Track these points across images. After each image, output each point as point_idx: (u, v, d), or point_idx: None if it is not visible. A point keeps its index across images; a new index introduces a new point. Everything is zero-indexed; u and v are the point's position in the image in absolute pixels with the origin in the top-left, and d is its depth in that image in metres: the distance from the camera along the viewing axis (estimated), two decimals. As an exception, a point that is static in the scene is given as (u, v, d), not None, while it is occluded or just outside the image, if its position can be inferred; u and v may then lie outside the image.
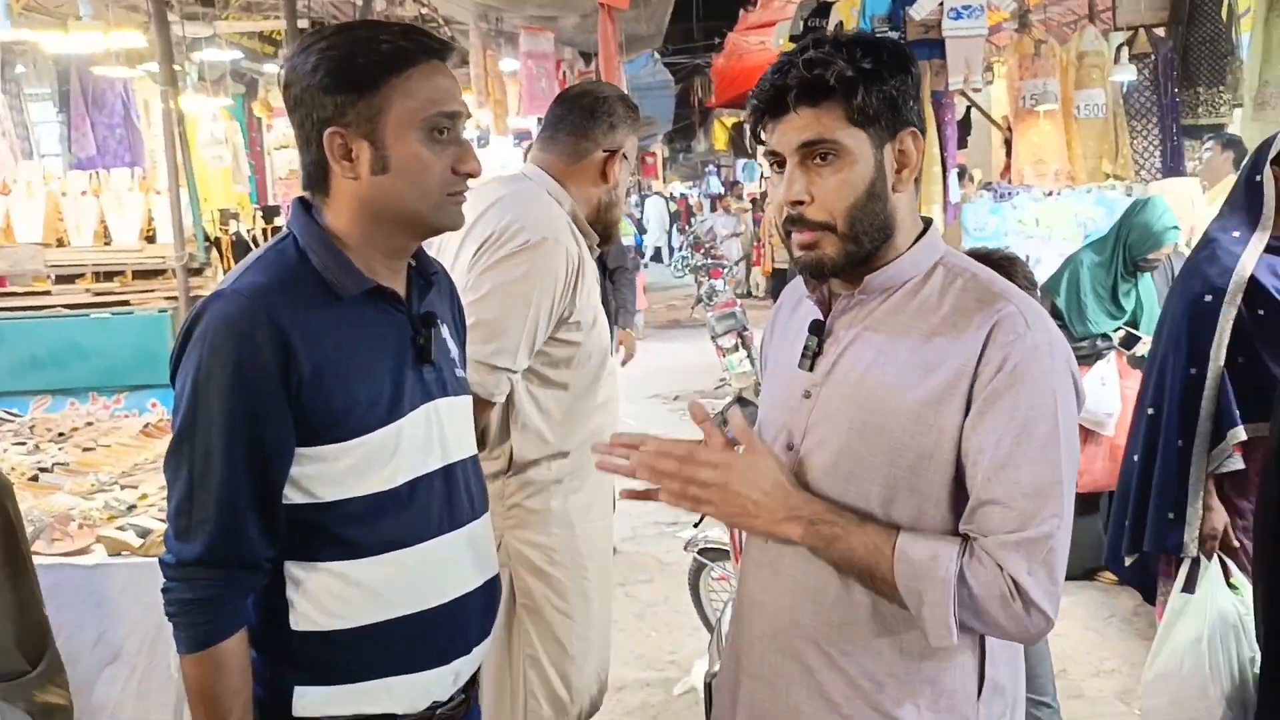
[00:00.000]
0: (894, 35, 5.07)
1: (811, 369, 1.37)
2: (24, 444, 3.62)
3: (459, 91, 1.44)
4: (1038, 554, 1.21)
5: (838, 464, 1.31)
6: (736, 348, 7.37)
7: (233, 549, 1.32)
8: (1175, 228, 4.30)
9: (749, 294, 13.98)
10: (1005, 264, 2.19)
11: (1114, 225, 4.67)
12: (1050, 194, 7.03)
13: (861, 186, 1.29)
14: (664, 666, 3.80)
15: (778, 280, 13.82)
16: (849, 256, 1.31)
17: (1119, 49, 7.20)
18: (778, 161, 1.32)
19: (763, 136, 1.34)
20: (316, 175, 1.40)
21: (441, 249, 2.06)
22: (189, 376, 1.31)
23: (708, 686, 2.46)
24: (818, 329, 1.38)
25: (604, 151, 2.16)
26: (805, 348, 1.38)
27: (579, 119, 2.16)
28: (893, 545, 1.24)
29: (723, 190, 21.50)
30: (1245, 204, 2.64)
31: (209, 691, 1.33)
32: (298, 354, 1.31)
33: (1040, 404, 1.23)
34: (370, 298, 1.41)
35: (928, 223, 1.40)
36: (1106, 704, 3.44)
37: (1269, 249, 2.58)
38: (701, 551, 3.51)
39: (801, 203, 1.30)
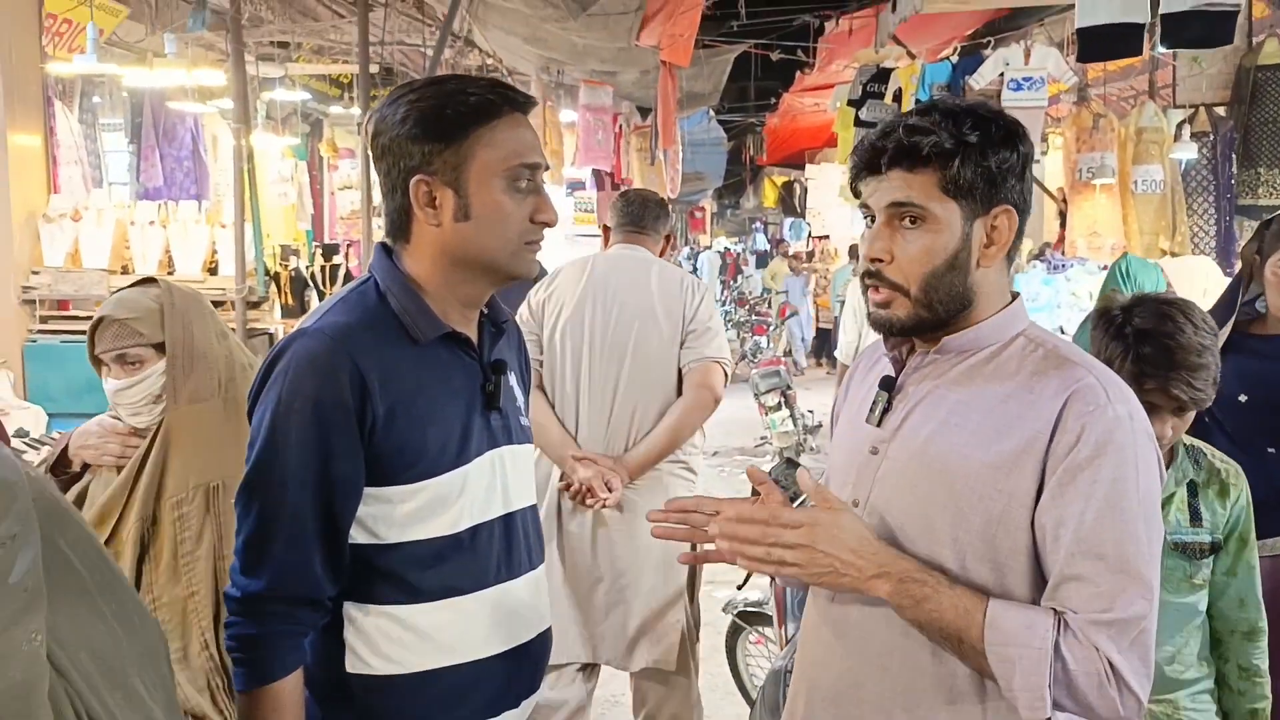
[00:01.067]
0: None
1: (880, 425, 1.36)
2: (77, 466, 3.68)
3: (539, 144, 1.47)
4: (1129, 635, 1.18)
5: (904, 525, 1.30)
6: (779, 406, 7.34)
7: (297, 584, 1.32)
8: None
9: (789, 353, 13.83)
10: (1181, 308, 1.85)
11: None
12: (1104, 268, 6.96)
13: (942, 256, 1.29)
14: (697, 729, 3.72)
15: (820, 339, 13.74)
16: (919, 321, 1.32)
17: (1179, 126, 7.17)
18: (870, 215, 1.34)
19: (860, 190, 1.35)
20: (400, 221, 1.43)
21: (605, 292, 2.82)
22: (269, 410, 1.33)
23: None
24: (888, 384, 1.37)
25: (664, 238, 3.03)
26: (874, 402, 1.38)
27: (657, 214, 2.98)
28: (984, 610, 1.20)
29: (769, 247, 21.53)
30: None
31: None
32: (374, 394, 1.33)
33: (1124, 477, 1.21)
34: (444, 342, 1.42)
35: (1015, 295, 1.39)
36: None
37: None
38: (740, 615, 3.46)
39: (881, 260, 1.32)
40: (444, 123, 1.37)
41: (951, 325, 1.33)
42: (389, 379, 1.35)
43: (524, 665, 1.48)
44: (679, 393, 2.78)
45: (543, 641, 1.52)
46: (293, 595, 1.33)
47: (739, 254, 23.10)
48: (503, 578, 1.44)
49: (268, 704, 1.32)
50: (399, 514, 1.37)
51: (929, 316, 1.31)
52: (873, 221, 1.34)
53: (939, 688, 1.28)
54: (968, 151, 1.26)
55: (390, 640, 1.38)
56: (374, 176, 1.51)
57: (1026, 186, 1.33)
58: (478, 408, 1.44)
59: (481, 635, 1.42)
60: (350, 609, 1.38)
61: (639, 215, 2.91)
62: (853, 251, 11.60)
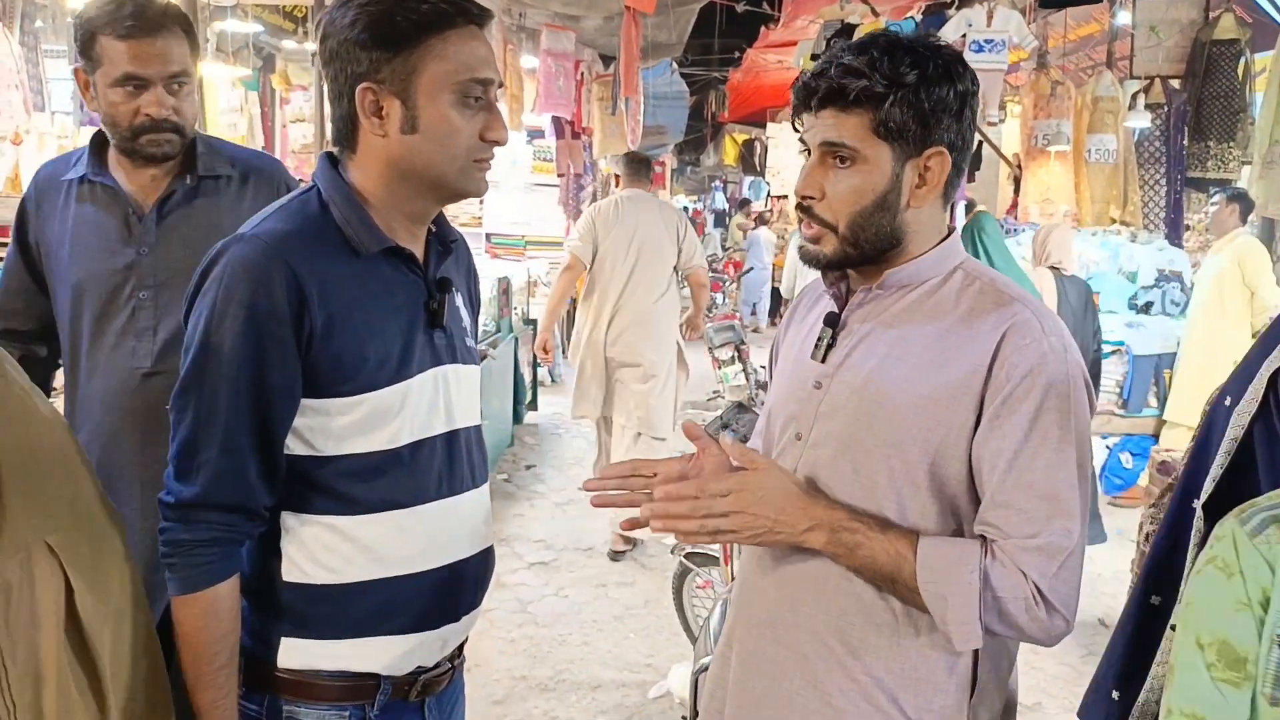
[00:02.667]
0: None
1: (824, 361, 1.38)
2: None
3: (493, 59, 1.44)
4: (1056, 561, 1.22)
5: (845, 454, 1.32)
6: (733, 360, 7.38)
7: (232, 492, 1.31)
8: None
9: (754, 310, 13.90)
10: None
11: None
12: (1056, 233, 7.04)
13: (871, 197, 1.30)
14: (640, 670, 3.78)
15: (775, 300, 13.82)
16: (845, 258, 1.34)
17: (1134, 96, 7.25)
18: (807, 150, 1.34)
19: (798, 126, 1.35)
20: (346, 130, 1.40)
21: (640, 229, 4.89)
22: (202, 316, 1.30)
23: (694, 680, 2.45)
24: (833, 321, 1.39)
25: (650, 181, 5.06)
26: (819, 339, 1.39)
27: (648, 169, 5.28)
28: (914, 550, 1.24)
29: (727, 206, 21.45)
30: None
31: (199, 635, 1.32)
32: (312, 304, 1.31)
33: (1056, 408, 1.24)
34: (387, 257, 1.40)
35: (951, 229, 1.41)
36: (1077, 740, 3.44)
37: None
38: (688, 556, 3.50)
39: (812, 197, 1.33)
40: (394, 30, 1.34)
41: (882, 261, 1.35)
42: (328, 290, 1.33)
43: (464, 581, 1.48)
44: (667, 274, 5.01)
45: (484, 558, 1.52)
46: (227, 503, 1.31)
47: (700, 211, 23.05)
48: (444, 494, 1.44)
49: (201, 610, 1.31)
50: (336, 426, 1.35)
51: (855, 254, 1.34)
52: (809, 156, 1.35)
53: (872, 613, 1.31)
54: (901, 94, 1.26)
55: (328, 550, 1.37)
56: (328, 111, 1.48)
57: (964, 126, 1.33)
58: (420, 325, 1.43)
59: (420, 549, 1.41)
60: (288, 519, 1.37)
61: (638, 169, 5.21)
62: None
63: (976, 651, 1.32)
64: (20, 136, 4.65)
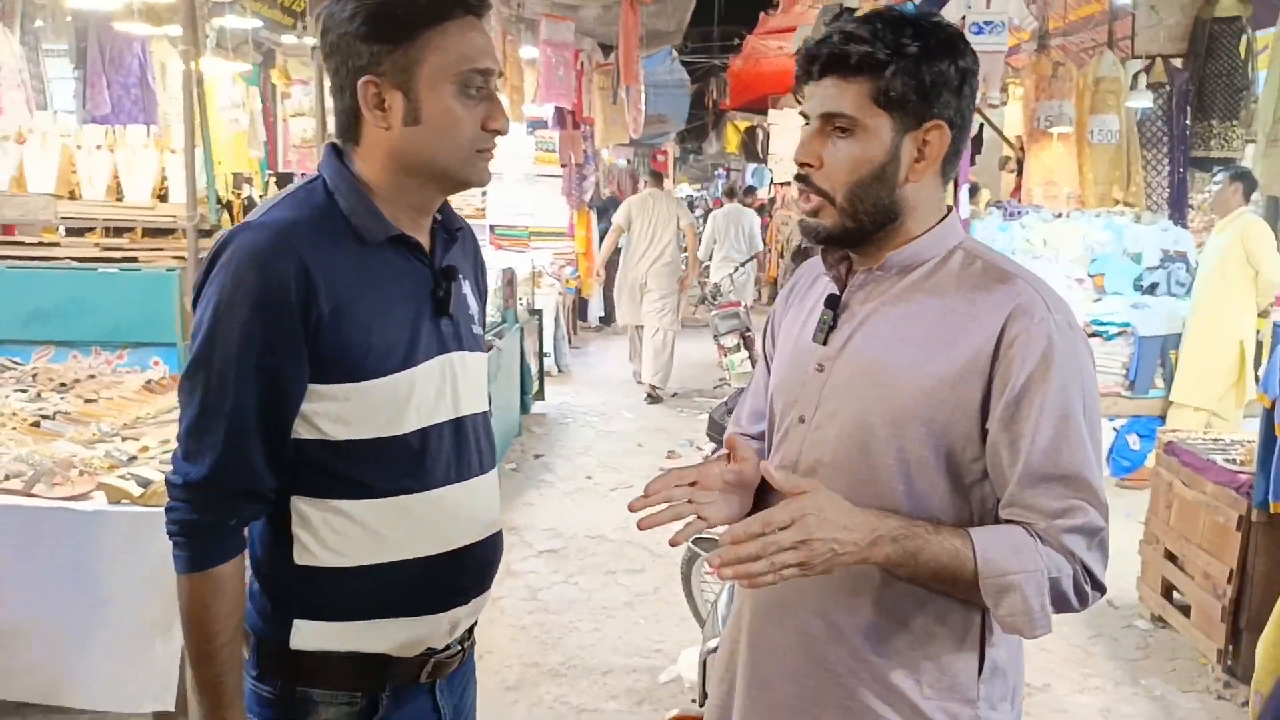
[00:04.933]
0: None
1: (825, 343, 1.38)
2: (25, 391, 3.63)
3: (493, 49, 1.45)
4: (1094, 536, 1.25)
5: (850, 436, 1.33)
6: (739, 347, 7.42)
7: (237, 475, 1.33)
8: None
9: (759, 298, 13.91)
10: None
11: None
12: (1060, 216, 7.04)
13: (868, 167, 1.30)
14: (650, 655, 3.81)
15: (775, 290, 13.80)
16: (845, 231, 1.34)
17: (1135, 76, 7.22)
18: (808, 121, 1.35)
19: (800, 98, 1.36)
20: (349, 123, 1.41)
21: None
22: (210, 303, 1.32)
23: (703, 663, 2.47)
24: (833, 303, 1.39)
25: (660, 182, 9.00)
26: (820, 321, 1.40)
27: (661, 177, 10.72)
28: (971, 546, 1.23)
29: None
30: None
31: (203, 613, 1.34)
32: (319, 291, 1.32)
33: (1068, 384, 1.25)
34: (393, 246, 1.42)
35: (950, 209, 1.41)
36: None
37: None
38: (695, 541, 3.52)
39: (810, 165, 1.33)
40: (393, 22, 1.35)
41: (880, 238, 1.35)
42: (335, 278, 1.34)
43: (473, 565, 1.49)
44: (671, 237, 8.45)
45: (493, 543, 1.53)
46: (233, 485, 1.33)
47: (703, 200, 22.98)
48: (451, 479, 1.45)
49: (206, 589, 1.34)
50: (344, 412, 1.37)
51: (854, 226, 1.33)
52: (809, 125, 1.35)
53: (880, 592, 1.32)
54: (902, 63, 1.26)
55: (337, 534, 1.39)
56: (329, 104, 1.49)
57: (964, 103, 1.33)
58: (427, 312, 1.44)
59: (428, 534, 1.43)
60: (298, 503, 1.39)
61: (656, 179, 9.65)
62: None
63: (984, 626, 1.33)
64: (24, 136, 4.65)
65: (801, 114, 1.36)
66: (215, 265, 1.33)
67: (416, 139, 1.38)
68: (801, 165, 1.34)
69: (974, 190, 8.27)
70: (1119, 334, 6.01)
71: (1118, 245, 6.61)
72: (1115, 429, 5.97)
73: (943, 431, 1.28)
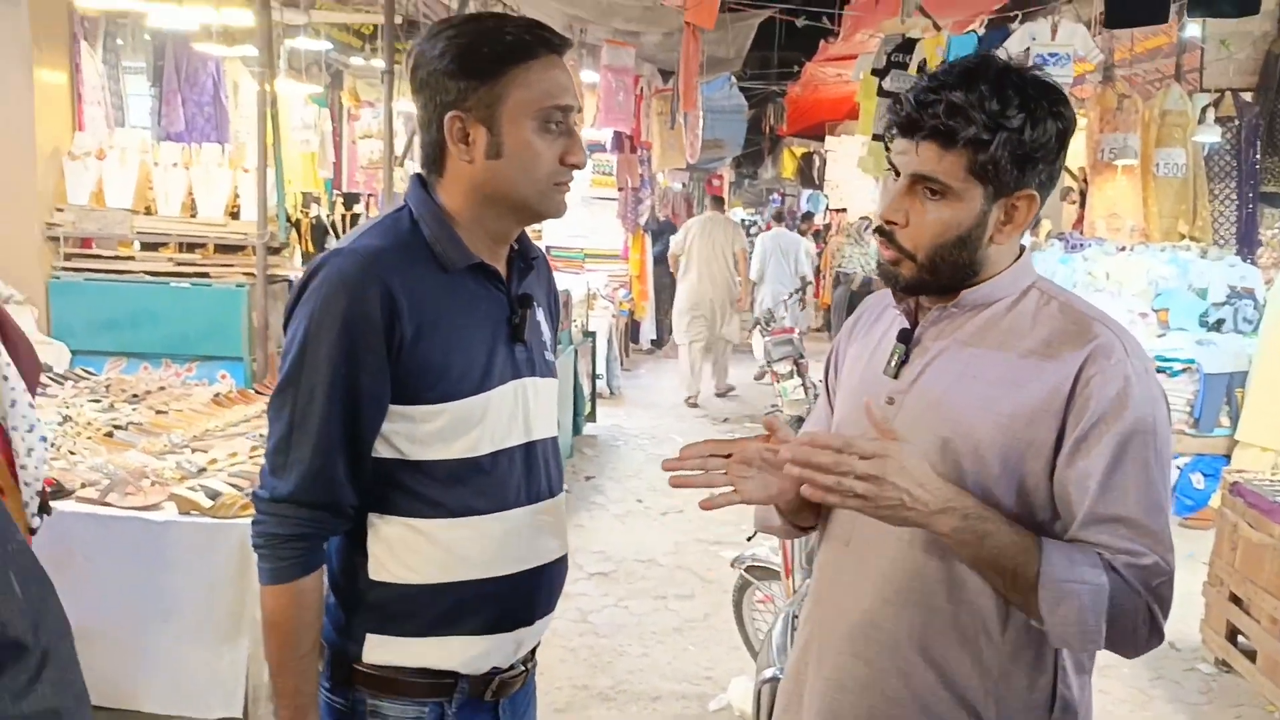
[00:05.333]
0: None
1: (897, 376, 1.39)
2: (99, 401, 3.74)
3: (573, 86, 1.49)
4: (1158, 578, 1.24)
5: None
6: (791, 374, 7.36)
7: (321, 490, 1.38)
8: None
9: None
10: None
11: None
12: (1123, 249, 6.94)
13: (955, 232, 1.31)
14: (700, 682, 3.80)
15: (827, 313, 13.71)
16: (923, 284, 1.36)
17: (1204, 110, 7.10)
18: (893, 171, 1.35)
19: (890, 143, 1.36)
20: (434, 155, 1.46)
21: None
22: (301, 325, 1.37)
23: (757, 692, 2.47)
24: (905, 338, 1.40)
25: (720, 207, 10.46)
26: (892, 355, 1.40)
27: (720, 203, 11.05)
28: (1039, 547, 1.23)
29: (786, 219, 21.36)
30: None
31: (285, 624, 1.40)
32: (403, 315, 1.37)
33: (1145, 429, 1.25)
34: (473, 273, 1.46)
35: (1022, 248, 1.42)
36: (1145, 765, 3.38)
37: None
38: (749, 569, 3.51)
39: (895, 224, 1.34)
40: (480, 60, 1.40)
41: (961, 285, 1.36)
42: (417, 302, 1.39)
43: (539, 586, 1.53)
44: (728, 258, 9.09)
45: (559, 566, 1.57)
46: (316, 500, 1.38)
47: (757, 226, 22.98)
48: (522, 502, 1.49)
49: (290, 600, 1.40)
50: (422, 432, 1.41)
51: (932, 281, 1.35)
52: (897, 176, 1.34)
53: (952, 628, 1.32)
54: (1005, 136, 1.26)
55: (411, 551, 1.43)
56: (396, 127, 1.54)
57: (1056, 168, 1.32)
58: (503, 338, 1.48)
59: (498, 554, 1.47)
60: (375, 519, 1.44)
61: (716, 204, 10.45)
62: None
63: (1056, 667, 1.32)
64: (104, 152, 4.82)
65: (890, 165, 1.35)
66: (307, 289, 1.39)
67: (497, 171, 1.43)
68: (888, 223, 1.34)
69: (1035, 221, 8.17)
70: (1183, 370, 5.90)
71: (1183, 280, 6.49)
72: (1179, 467, 5.84)
73: (1015, 469, 1.28)
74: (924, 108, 1.29)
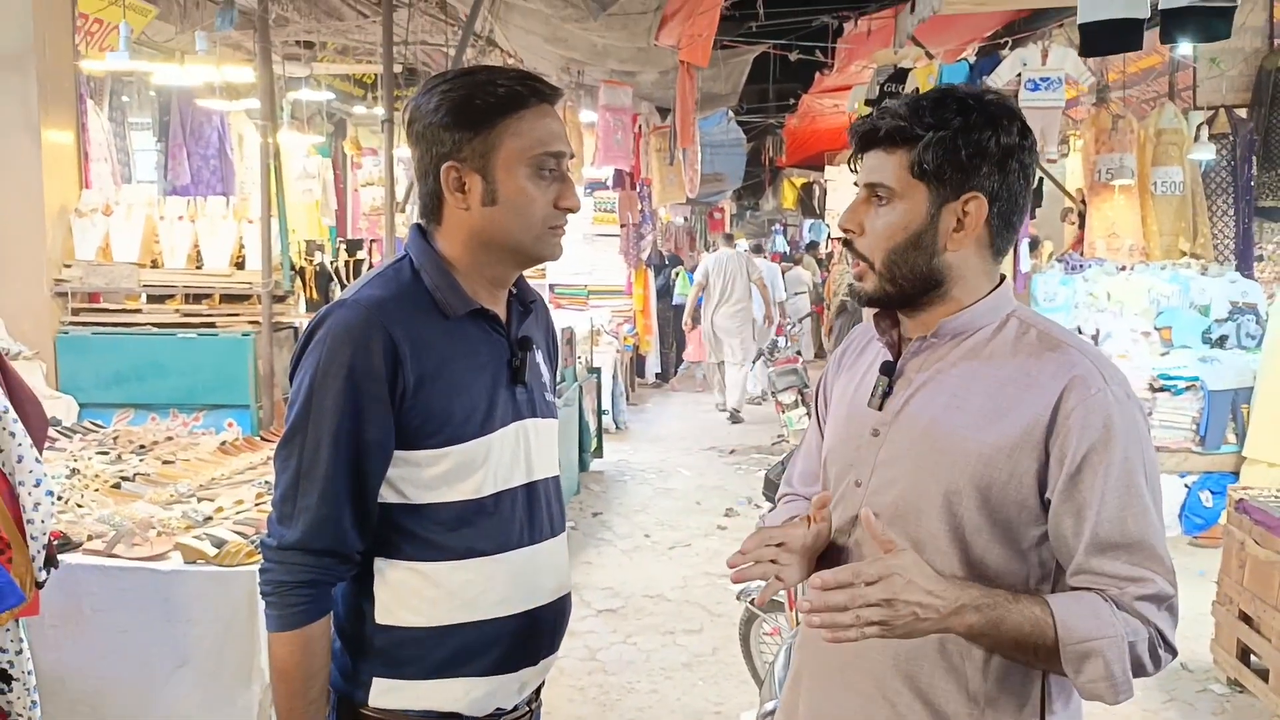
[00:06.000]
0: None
1: (881, 408, 1.41)
2: (107, 453, 3.77)
3: (564, 133, 1.53)
4: (1164, 602, 1.26)
5: (908, 500, 1.35)
6: (796, 404, 7.40)
7: (328, 537, 1.41)
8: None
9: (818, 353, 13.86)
10: None
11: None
12: (1124, 269, 6.96)
13: (904, 234, 1.36)
14: (710, 717, 3.78)
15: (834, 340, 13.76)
16: (885, 295, 1.40)
17: (1199, 128, 7.15)
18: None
19: (854, 169, 1.43)
20: (432, 205, 1.51)
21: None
22: (307, 375, 1.41)
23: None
24: (889, 370, 1.43)
25: (732, 243, 11.46)
26: (875, 387, 1.43)
27: (731, 236, 12.33)
28: (1050, 613, 1.24)
29: (787, 249, 21.50)
30: None
31: (294, 671, 1.42)
32: (406, 363, 1.40)
33: (1131, 456, 1.27)
34: (473, 319, 1.50)
35: (1002, 278, 1.45)
36: (1165, 788, 3.35)
37: None
38: (754, 602, 3.50)
39: (851, 231, 1.40)
40: (473, 112, 1.44)
41: (926, 304, 1.39)
42: (420, 350, 1.42)
43: (543, 626, 1.54)
44: (745, 288, 10.19)
45: (562, 605, 1.58)
46: (323, 548, 1.41)
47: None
48: (524, 542, 1.51)
49: (298, 646, 1.41)
50: (425, 477, 1.44)
51: (894, 291, 1.38)
52: None
53: (940, 657, 1.34)
54: (937, 136, 1.32)
55: (416, 594, 1.45)
56: (397, 174, 1.59)
57: (1010, 178, 1.35)
58: (504, 381, 1.52)
59: (502, 595, 1.49)
60: (380, 564, 1.46)
61: (729, 240, 11.57)
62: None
63: (1044, 691, 1.33)
64: (111, 208, 4.90)
65: (854, 184, 1.43)
66: (312, 340, 1.43)
67: (494, 218, 1.47)
68: (845, 231, 1.41)
69: (1035, 244, 8.22)
70: (1188, 388, 5.89)
71: (1184, 298, 6.50)
72: (1187, 485, 5.82)
73: (999, 497, 1.30)
74: (864, 120, 1.38)
